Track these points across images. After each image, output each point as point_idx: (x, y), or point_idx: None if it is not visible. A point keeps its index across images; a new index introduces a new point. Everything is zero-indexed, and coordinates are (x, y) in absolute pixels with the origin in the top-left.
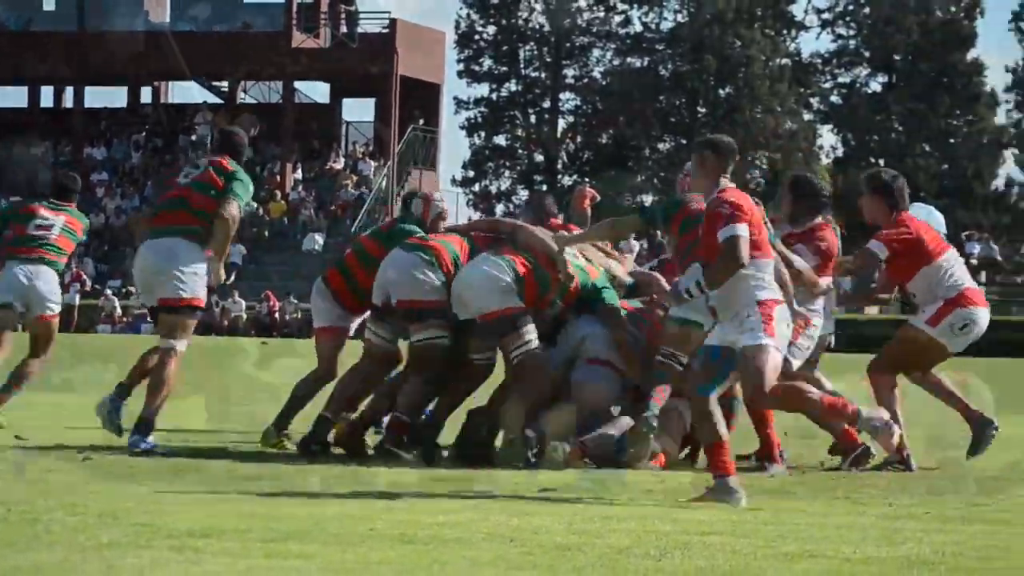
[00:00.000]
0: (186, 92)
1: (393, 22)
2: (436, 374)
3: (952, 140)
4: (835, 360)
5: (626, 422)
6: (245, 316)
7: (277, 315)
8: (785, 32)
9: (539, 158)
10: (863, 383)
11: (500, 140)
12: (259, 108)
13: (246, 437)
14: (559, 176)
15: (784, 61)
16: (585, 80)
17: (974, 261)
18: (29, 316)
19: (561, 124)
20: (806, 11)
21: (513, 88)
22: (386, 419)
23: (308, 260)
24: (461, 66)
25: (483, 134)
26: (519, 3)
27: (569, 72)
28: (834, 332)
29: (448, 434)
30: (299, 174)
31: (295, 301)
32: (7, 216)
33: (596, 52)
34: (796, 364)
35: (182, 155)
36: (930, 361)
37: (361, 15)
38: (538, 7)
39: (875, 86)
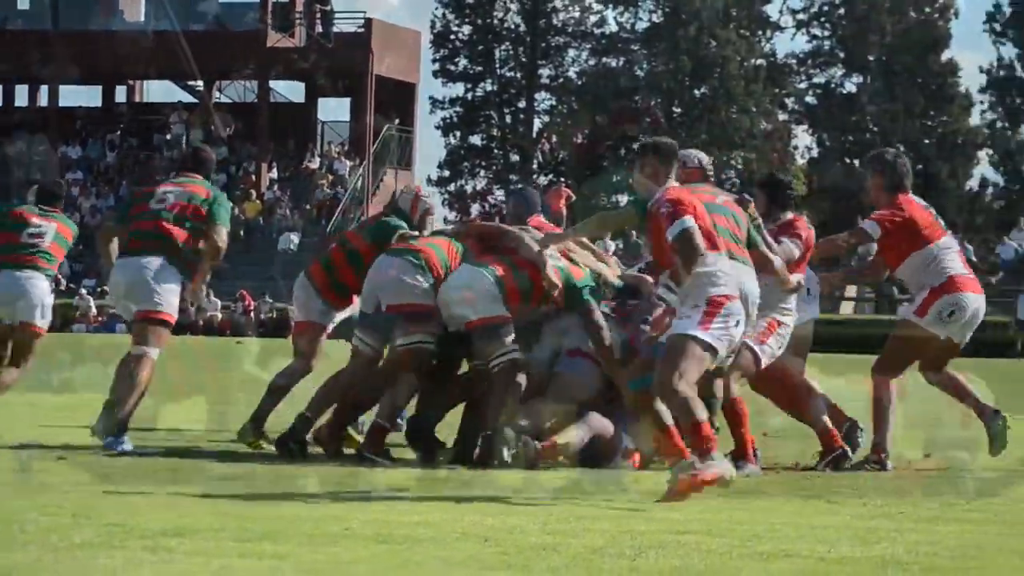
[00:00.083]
0: (161, 92)
1: (368, 21)
2: (418, 379)
3: (927, 140)
4: (809, 360)
5: (596, 421)
6: (220, 316)
7: (252, 315)
8: (760, 33)
9: (515, 158)
10: (865, 383)
11: (476, 140)
12: (234, 107)
13: (220, 436)
14: (534, 176)
15: (759, 61)
16: (560, 80)
17: None
18: (15, 323)
19: (537, 124)
20: (781, 11)
21: (488, 88)
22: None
23: (283, 260)
24: (436, 66)
25: (458, 134)
26: (494, 3)
27: (544, 72)
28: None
29: (443, 435)
30: (274, 173)
31: (270, 301)
32: None
33: (571, 52)
34: (764, 362)
35: (157, 154)
36: (930, 354)
37: (336, 14)
38: (513, 7)
39: (850, 87)
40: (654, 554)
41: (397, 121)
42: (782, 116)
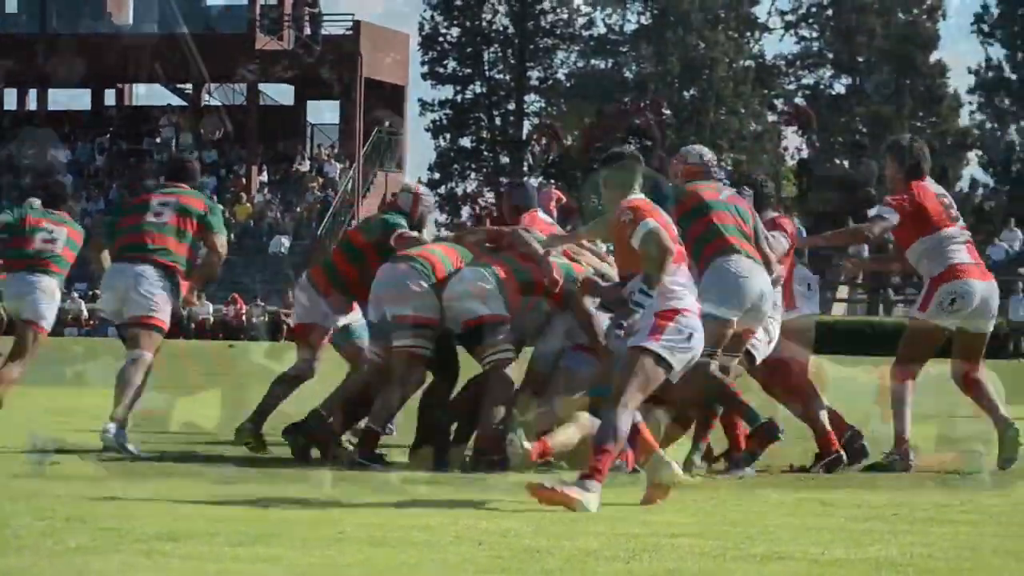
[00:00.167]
0: (150, 95)
1: (357, 24)
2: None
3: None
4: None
5: (585, 420)
6: (212, 319)
7: (244, 318)
8: (749, 34)
9: (505, 160)
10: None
11: (465, 142)
12: (223, 110)
13: (211, 438)
14: (525, 178)
15: (748, 63)
16: (550, 82)
17: None
18: (22, 319)
19: (526, 126)
20: (769, 13)
21: (478, 90)
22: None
23: (274, 263)
24: (425, 68)
25: (448, 136)
26: (483, 5)
27: (533, 74)
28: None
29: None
30: (264, 176)
31: (262, 304)
32: (12, 228)
33: (560, 54)
34: (758, 359)
35: (147, 158)
36: (958, 345)
37: (325, 17)
38: (502, 9)
39: (839, 88)
40: (648, 557)
41: (387, 123)
42: (771, 117)
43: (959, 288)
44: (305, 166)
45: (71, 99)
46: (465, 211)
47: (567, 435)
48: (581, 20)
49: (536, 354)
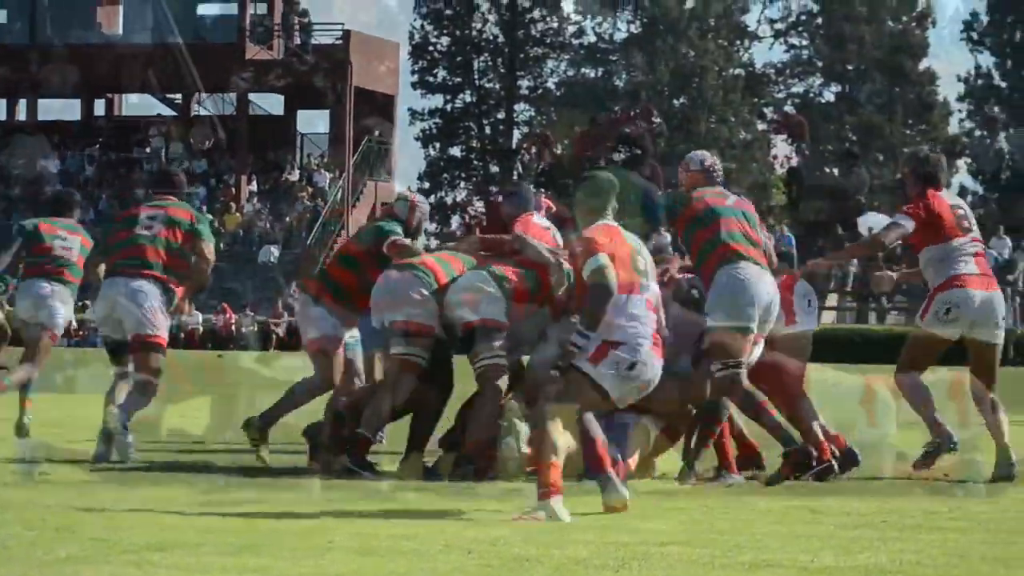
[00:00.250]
0: (140, 105)
1: (347, 33)
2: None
3: (905, 150)
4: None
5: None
6: (201, 329)
7: (233, 328)
8: (738, 42)
9: (495, 169)
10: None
11: (455, 151)
12: (212, 120)
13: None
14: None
15: (738, 71)
16: (540, 91)
17: None
18: (36, 325)
19: (516, 135)
20: (759, 21)
21: (468, 99)
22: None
23: (264, 272)
24: (415, 77)
25: (438, 145)
26: (472, 14)
27: (524, 83)
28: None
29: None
30: (254, 186)
31: (251, 314)
32: (30, 235)
33: (550, 63)
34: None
35: (137, 168)
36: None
37: (315, 27)
38: (491, 18)
39: (828, 96)
40: (637, 565)
41: (377, 133)
42: (761, 126)
43: (954, 297)
44: (295, 176)
45: (61, 109)
46: (455, 220)
47: (565, 441)
48: (571, 29)
49: (532, 362)
